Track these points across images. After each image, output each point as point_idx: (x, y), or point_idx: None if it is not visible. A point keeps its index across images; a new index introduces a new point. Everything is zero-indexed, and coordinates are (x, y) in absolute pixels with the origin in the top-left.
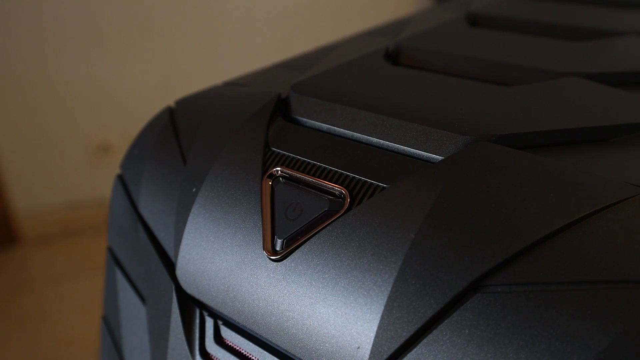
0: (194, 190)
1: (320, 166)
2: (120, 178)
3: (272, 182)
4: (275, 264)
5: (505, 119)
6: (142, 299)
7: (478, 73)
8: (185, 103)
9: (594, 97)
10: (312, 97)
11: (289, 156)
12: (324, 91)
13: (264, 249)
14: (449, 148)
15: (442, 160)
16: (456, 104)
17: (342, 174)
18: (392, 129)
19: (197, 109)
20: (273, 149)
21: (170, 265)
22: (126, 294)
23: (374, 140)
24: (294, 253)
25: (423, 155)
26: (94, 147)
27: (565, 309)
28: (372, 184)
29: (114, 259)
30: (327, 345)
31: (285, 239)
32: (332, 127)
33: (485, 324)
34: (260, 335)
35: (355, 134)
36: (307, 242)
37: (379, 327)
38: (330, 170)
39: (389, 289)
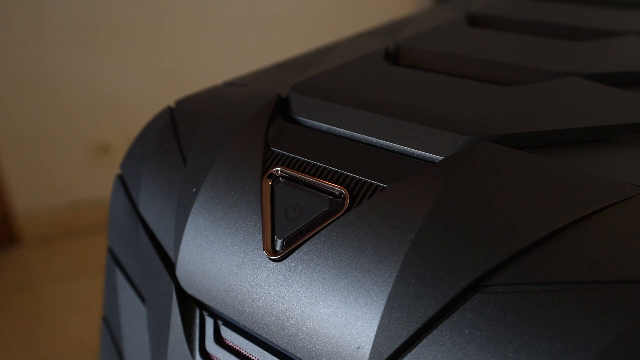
0: (194, 190)
1: (320, 166)
2: (120, 178)
3: (272, 182)
4: (275, 264)
5: (505, 119)
6: (142, 299)
7: (478, 73)
8: (185, 103)
9: (593, 98)
10: (312, 97)
11: (288, 156)
12: (324, 91)
13: (264, 249)
14: (449, 148)
15: (442, 160)
16: (456, 104)
17: (342, 174)
18: (392, 129)
19: (197, 109)
20: (273, 149)
21: (170, 265)
22: (126, 294)
23: (374, 140)
24: (294, 253)
25: (423, 155)
26: (94, 147)
27: (565, 309)
28: (372, 184)
29: (114, 259)
30: (327, 345)
31: (285, 239)
32: (332, 127)
33: (485, 324)
34: (260, 335)
35: (355, 133)
36: (307, 242)
37: (379, 327)
38: (330, 170)
39: (389, 289)
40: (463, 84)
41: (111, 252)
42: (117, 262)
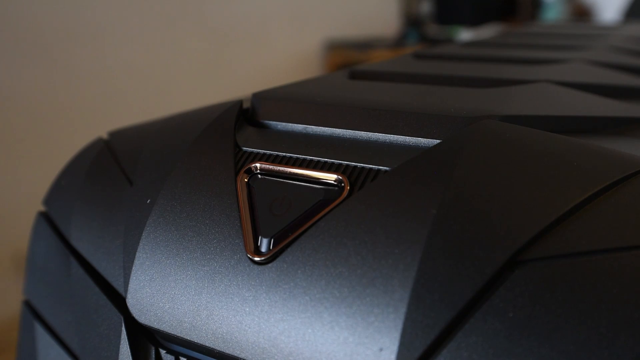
0: (148, 201)
1: (305, 159)
2: (44, 216)
3: (249, 179)
4: (261, 267)
5: (499, 105)
6: (71, 353)
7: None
8: (121, 133)
9: None
10: (280, 99)
11: (264, 153)
12: (290, 95)
13: (246, 252)
14: (449, 131)
15: (450, 137)
16: (437, 99)
17: (333, 163)
18: (381, 119)
19: (137, 135)
20: (244, 148)
21: (116, 297)
22: (50, 351)
23: (362, 134)
24: (285, 251)
25: (422, 142)
26: None
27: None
28: (371, 169)
29: (33, 313)
30: (342, 356)
31: (272, 237)
32: (309, 126)
33: (531, 303)
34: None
35: (337, 130)
36: (302, 237)
37: (406, 322)
38: (319, 161)
39: (414, 274)
40: (432, 89)
41: (29, 306)
42: (38, 316)
